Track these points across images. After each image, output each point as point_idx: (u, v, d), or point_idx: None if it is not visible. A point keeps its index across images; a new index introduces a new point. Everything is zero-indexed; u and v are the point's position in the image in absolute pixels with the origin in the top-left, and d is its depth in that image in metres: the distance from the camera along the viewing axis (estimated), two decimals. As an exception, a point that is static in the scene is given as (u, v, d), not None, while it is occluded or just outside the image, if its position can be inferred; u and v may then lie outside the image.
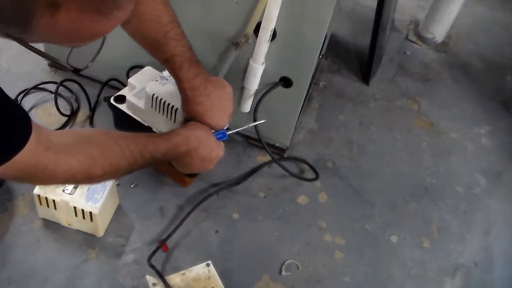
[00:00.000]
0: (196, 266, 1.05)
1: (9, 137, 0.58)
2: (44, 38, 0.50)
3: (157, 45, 0.87)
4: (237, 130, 1.06)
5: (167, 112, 1.02)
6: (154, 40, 0.87)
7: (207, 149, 0.92)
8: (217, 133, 0.98)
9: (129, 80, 1.12)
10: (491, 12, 2.27)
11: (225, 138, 0.99)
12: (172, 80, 0.98)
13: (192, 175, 1.20)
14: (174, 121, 1.02)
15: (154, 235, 1.11)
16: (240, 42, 1.08)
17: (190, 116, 0.97)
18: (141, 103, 1.07)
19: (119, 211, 1.14)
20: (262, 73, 1.13)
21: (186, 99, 0.94)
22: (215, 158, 0.95)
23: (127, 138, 0.81)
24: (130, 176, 0.97)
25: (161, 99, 1.02)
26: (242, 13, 1.06)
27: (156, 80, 1.05)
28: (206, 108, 0.94)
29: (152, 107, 1.05)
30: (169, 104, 1.01)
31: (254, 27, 1.06)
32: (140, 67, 1.20)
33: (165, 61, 0.90)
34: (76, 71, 0.64)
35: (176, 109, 1.00)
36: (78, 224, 1.07)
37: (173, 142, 0.87)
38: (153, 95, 1.02)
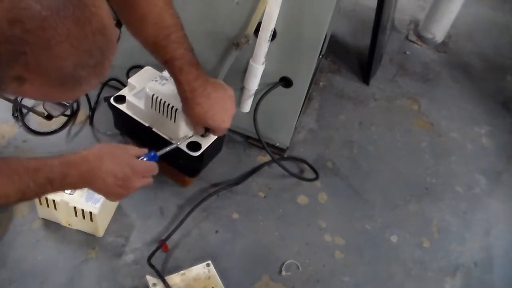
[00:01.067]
0: (196, 266, 1.05)
1: None
2: (15, 96, 0.54)
3: (158, 47, 0.88)
4: (166, 150, 0.96)
5: (167, 112, 1.02)
6: (154, 42, 0.87)
7: (118, 164, 0.80)
8: (146, 154, 0.89)
9: (129, 80, 1.12)
10: (491, 12, 2.27)
11: (155, 159, 0.90)
12: (172, 80, 0.98)
13: (192, 175, 1.20)
14: (174, 121, 1.02)
15: (154, 235, 1.11)
16: (240, 42, 1.08)
17: (190, 117, 0.97)
18: (141, 104, 1.07)
19: (119, 211, 1.14)
20: (262, 73, 1.13)
21: (185, 101, 0.94)
22: (134, 174, 0.82)
23: (19, 164, 0.73)
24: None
25: (160, 99, 1.02)
26: (242, 13, 1.06)
27: (156, 80, 1.05)
28: (205, 109, 0.94)
29: (152, 107, 1.05)
30: (169, 104, 1.01)
31: (255, 27, 1.06)
32: (140, 67, 1.20)
33: (165, 63, 0.90)
34: (49, 117, 0.66)
35: (176, 109, 1.00)
36: (78, 224, 1.07)
37: (68, 160, 0.76)
38: (153, 95, 1.02)
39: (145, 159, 0.89)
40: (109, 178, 0.80)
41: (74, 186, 0.81)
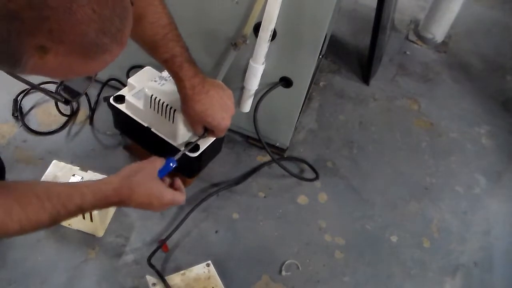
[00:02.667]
0: (196, 266, 1.06)
1: None
2: (34, 74, 0.52)
3: (157, 46, 0.88)
4: (180, 153, 0.97)
5: (166, 113, 1.02)
6: (153, 41, 0.87)
7: (144, 196, 0.82)
8: (165, 167, 0.89)
9: (128, 80, 1.12)
10: (491, 12, 2.27)
11: (174, 165, 0.90)
12: (171, 80, 0.98)
13: (191, 176, 1.20)
14: (173, 122, 1.02)
15: (154, 235, 1.11)
16: (238, 42, 1.08)
17: (190, 117, 0.97)
18: (140, 104, 1.07)
19: (119, 211, 1.14)
20: (262, 73, 1.13)
21: (185, 98, 0.94)
22: (159, 202, 0.84)
23: (48, 190, 0.74)
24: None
25: (159, 100, 1.02)
26: (242, 13, 1.06)
27: (155, 81, 1.05)
28: (206, 107, 0.94)
29: (150, 108, 1.04)
30: (167, 105, 1.01)
31: (252, 27, 1.06)
32: (140, 67, 1.20)
33: (164, 62, 0.90)
34: (67, 102, 0.65)
35: (175, 110, 1.00)
36: (78, 224, 1.07)
37: (101, 194, 0.78)
38: (152, 95, 1.02)
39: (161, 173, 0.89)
40: (137, 207, 0.84)
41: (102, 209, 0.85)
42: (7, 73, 0.53)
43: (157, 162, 0.88)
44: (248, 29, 1.06)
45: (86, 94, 1.35)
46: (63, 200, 0.73)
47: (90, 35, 0.49)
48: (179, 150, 1.01)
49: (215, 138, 1.08)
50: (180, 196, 0.88)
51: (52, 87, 1.34)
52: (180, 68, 0.90)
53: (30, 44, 0.47)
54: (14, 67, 0.49)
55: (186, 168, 1.14)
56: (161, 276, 1.02)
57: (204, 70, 0.96)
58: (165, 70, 0.97)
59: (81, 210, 0.76)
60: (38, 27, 0.46)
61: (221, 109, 0.96)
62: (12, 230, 0.68)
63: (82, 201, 0.75)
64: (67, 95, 0.65)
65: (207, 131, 1.02)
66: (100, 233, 1.09)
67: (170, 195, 0.86)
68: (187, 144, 1.05)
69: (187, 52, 0.90)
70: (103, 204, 0.79)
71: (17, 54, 0.47)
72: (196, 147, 1.05)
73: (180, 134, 1.04)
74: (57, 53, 0.48)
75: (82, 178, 1.10)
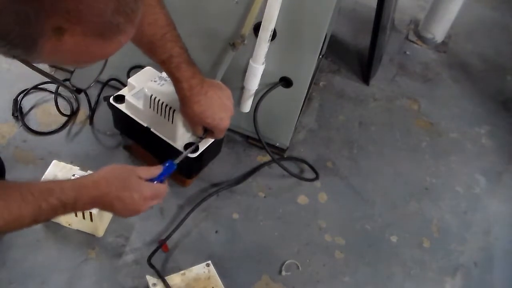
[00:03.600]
0: (196, 266, 1.05)
1: None
2: (49, 60, 0.52)
3: (155, 47, 0.88)
4: (182, 157, 0.96)
5: (165, 113, 1.02)
6: (151, 42, 0.87)
7: (126, 190, 0.82)
8: (164, 167, 0.89)
9: (128, 80, 1.12)
10: (490, 12, 2.27)
11: (173, 169, 0.91)
12: (170, 81, 0.97)
13: (190, 177, 1.20)
14: (172, 122, 1.02)
15: (154, 235, 1.11)
16: (236, 43, 1.08)
17: (189, 117, 0.97)
18: (139, 104, 1.07)
19: (119, 211, 1.14)
20: (262, 73, 1.13)
21: (184, 99, 0.93)
22: (139, 196, 0.83)
23: (31, 186, 0.73)
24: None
25: (159, 100, 1.02)
26: (242, 13, 1.06)
27: (155, 81, 1.05)
28: (204, 107, 0.93)
29: (150, 108, 1.04)
30: (167, 105, 1.01)
31: (250, 28, 1.06)
32: (141, 67, 1.20)
33: (162, 63, 0.90)
34: (79, 91, 0.65)
35: (174, 110, 1.00)
36: (78, 224, 1.07)
37: (80, 184, 0.78)
38: (151, 96, 1.02)
39: (164, 173, 0.89)
40: (118, 203, 0.82)
41: (85, 208, 0.84)
42: (22, 61, 0.52)
43: (143, 170, 0.86)
44: (247, 29, 1.06)
45: (86, 94, 1.35)
46: (45, 194, 0.73)
47: (106, 14, 0.49)
48: (178, 150, 1.01)
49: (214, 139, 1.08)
50: (161, 187, 0.88)
51: (52, 87, 1.35)
52: (177, 69, 0.89)
53: (48, 25, 0.46)
54: (30, 52, 0.48)
55: (186, 168, 1.14)
56: (161, 276, 1.02)
57: (203, 70, 0.96)
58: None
59: (63, 206, 0.75)
60: (56, 7, 0.45)
61: (220, 110, 0.96)
62: None
63: (62, 194, 0.74)
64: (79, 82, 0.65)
65: (207, 132, 1.02)
66: (100, 233, 1.09)
67: (149, 187, 0.85)
68: (186, 145, 1.05)
69: (186, 53, 0.90)
70: (84, 198, 0.78)
71: (34, 37, 0.47)
72: (195, 148, 1.05)
73: (180, 134, 1.04)
74: (74, 34, 0.48)
75: (82, 178, 1.10)
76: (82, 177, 0.81)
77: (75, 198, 0.76)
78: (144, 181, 0.85)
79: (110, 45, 0.52)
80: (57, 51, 0.49)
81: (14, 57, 0.50)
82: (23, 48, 0.48)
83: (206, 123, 0.96)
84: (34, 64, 0.54)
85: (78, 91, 0.64)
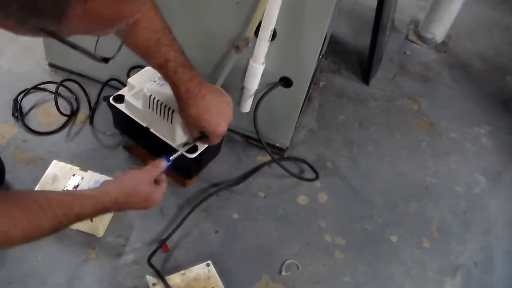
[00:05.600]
0: (196, 266, 1.06)
1: None
2: (78, 28, 0.51)
3: (150, 52, 0.87)
4: (177, 154, 1.00)
5: (164, 113, 1.02)
6: (146, 47, 0.87)
7: (140, 202, 0.89)
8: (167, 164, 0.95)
9: (128, 80, 1.12)
10: (491, 12, 2.27)
11: (169, 165, 0.95)
12: None
13: (188, 177, 1.19)
14: (171, 122, 1.02)
15: (154, 235, 1.11)
16: (240, 45, 1.07)
17: (186, 120, 0.96)
18: (139, 104, 1.07)
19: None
20: (262, 73, 1.13)
21: (181, 102, 0.93)
22: (151, 204, 0.92)
23: (49, 198, 0.74)
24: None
25: (158, 100, 1.01)
26: (242, 13, 1.06)
27: (154, 81, 1.05)
28: (201, 111, 0.92)
29: (149, 108, 1.04)
30: (166, 105, 1.01)
31: (254, 30, 1.05)
32: (141, 67, 1.20)
33: (159, 67, 0.89)
34: (106, 60, 0.64)
35: (173, 111, 1.00)
36: (78, 224, 1.07)
37: (101, 206, 0.82)
38: (150, 96, 1.02)
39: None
40: (132, 209, 0.90)
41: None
42: (50, 34, 0.52)
43: (154, 169, 0.92)
44: (251, 32, 1.06)
45: (86, 94, 1.35)
46: (65, 209, 0.74)
47: None
48: (177, 151, 1.01)
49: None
50: (163, 189, 0.94)
51: (52, 87, 1.35)
52: (174, 73, 0.88)
53: None
54: (59, 20, 0.47)
55: (185, 169, 1.14)
56: (161, 276, 1.02)
57: (203, 71, 0.95)
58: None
59: (79, 219, 0.79)
60: None
61: (217, 115, 0.94)
62: (15, 238, 0.68)
63: (82, 211, 0.78)
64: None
65: (203, 136, 1.01)
66: (100, 233, 1.08)
67: (160, 191, 0.93)
68: (184, 144, 1.05)
69: (182, 56, 0.89)
70: (101, 214, 0.84)
71: (62, 3, 0.46)
72: (194, 148, 1.05)
73: (178, 134, 1.04)
74: None
75: (82, 178, 1.10)
76: (101, 194, 0.83)
77: (92, 215, 0.81)
78: (154, 186, 0.91)
79: (131, 4, 0.51)
80: (85, 15, 0.48)
81: (42, 30, 0.49)
82: (52, 18, 0.47)
83: (202, 126, 0.95)
84: (64, 37, 0.53)
85: (106, 60, 0.64)
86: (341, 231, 1.22)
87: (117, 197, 0.84)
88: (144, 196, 0.89)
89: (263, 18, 1.01)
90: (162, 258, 1.08)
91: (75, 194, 0.80)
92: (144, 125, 1.09)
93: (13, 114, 1.29)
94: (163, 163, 0.94)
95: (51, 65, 1.44)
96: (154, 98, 1.02)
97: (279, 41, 1.08)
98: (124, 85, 1.25)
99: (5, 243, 0.69)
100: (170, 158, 0.96)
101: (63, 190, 1.05)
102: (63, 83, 1.35)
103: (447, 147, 1.54)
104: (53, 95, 1.31)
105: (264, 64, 1.11)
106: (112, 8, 0.49)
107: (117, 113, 1.13)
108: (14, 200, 0.69)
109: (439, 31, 1.93)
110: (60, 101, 1.33)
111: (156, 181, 0.93)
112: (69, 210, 0.75)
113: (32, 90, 1.36)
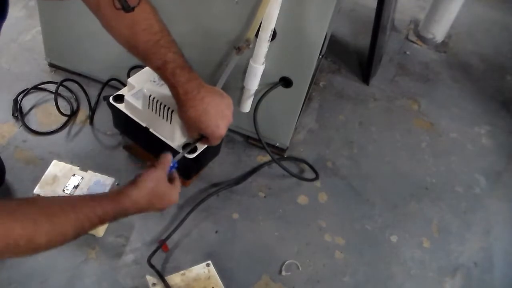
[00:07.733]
0: (196, 266, 1.06)
1: None
2: None
3: (149, 54, 0.87)
4: (180, 155, 0.98)
5: (163, 113, 1.02)
6: (145, 48, 0.87)
7: (160, 202, 0.87)
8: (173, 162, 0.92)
9: (128, 80, 1.12)
10: (491, 12, 2.27)
11: (176, 166, 0.94)
12: None
13: (187, 178, 1.19)
14: (170, 122, 1.02)
15: (154, 235, 1.11)
16: (241, 47, 1.07)
17: (184, 121, 0.96)
18: (138, 104, 1.07)
19: (119, 211, 1.14)
20: (262, 73, 1.13)
21: (179, 104, 0.92)
22: (170, 204, 0.90)
23: (72, 202, 0.75)
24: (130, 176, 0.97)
25: (157, 100, 1.01)
26: (242, 13, 1.06)
27: (154, 81, 1.05)
28: (199, 113, 0.91)
29: (149, 108, 1.04)
30: (165, 105, 1.01)
31: (255, 31, 1.05)
32: (141, 67, 1.20)
33: (157, 69, 0.89)
34: (127, 9, 0.64)
35: (172, 111, 1.00)
36: (78, 224, 1.07)
37: (121, 207, 0.81)
38: (150, 96, 1.02)
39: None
40: (152, 210, 0.87)
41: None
42: None
43: (166, 164, 0.89)
44: (252, 33, 1.05)
45: (86, 94, 1.35)
46: (87, 213, 0.73)
47: None
48: (177, 151, 1.01)
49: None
50: (179, 187, 0.92)
51: (52, 87, 1.35)
52: (172, 74, 0.88)
53: None
54: None
55: (184, 169, 1.14)
56: (161, 276, 1.02)
57: (203, 71, 0.95)
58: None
59: (101, 223, 0.77)
60: None
61: (216, 117, 0.93)
62: (40, 243, 0.67)
63: (104, 214, 0.76)
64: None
65: (202, 137, 1.01)
66: (100, 233, 1.09)
67: (176, 191, 0.90)
68: (185, 145, 1.04)
69: (180, 58, 0.89)
70: (122, 217, 0.81)
71: None
72: (193, 149, 1.04)
73: (178, 135, 1.04)
74: None
75: (82, 178, 1.10)
76: (122, 196, 0.81)
77: (114, 218, 0.79)
78: (171, 185, 0.89)
79: None
80: None
81: None
82: None
83: (200, 128, 0.94)
84: None
85: (127, 8, 0.64)
86: (341, 231, 1.22)
87: (138, 199, 0.82)
88: (164, 195, 0.87)
89: (263, 18, 1.01)
90: (162, 258, 1.08)
91: (96, 197, 0.79)
92: (144, 125, 1.09)
93: (13, 114, 1.29)
94: (169, 156, 0.91)
95: (51, 65, 1.44)
96: (153, 98, 1.02)
97: (279, 41, 1.08)
98: (124, 85, 1.25)
99: (30, 249, 0.67)
100: (175, 160, 0.93)
101: (62, 190, 1.04)
102: (63, 83, 1.35)
103: (447, 147, 1.54)
104: (53, 95, 1.31)
105: (264, 64, 1.11)
106: None
107: (117, 113, 1.13)
108: (37, 206, 0.69)
109: (439, 31, 1.93)
110: (60, 101, 1.33)
111: (170, 179, 0.91)
112: (92, 214, 0.74)
113: (32, 90, 1.36)
